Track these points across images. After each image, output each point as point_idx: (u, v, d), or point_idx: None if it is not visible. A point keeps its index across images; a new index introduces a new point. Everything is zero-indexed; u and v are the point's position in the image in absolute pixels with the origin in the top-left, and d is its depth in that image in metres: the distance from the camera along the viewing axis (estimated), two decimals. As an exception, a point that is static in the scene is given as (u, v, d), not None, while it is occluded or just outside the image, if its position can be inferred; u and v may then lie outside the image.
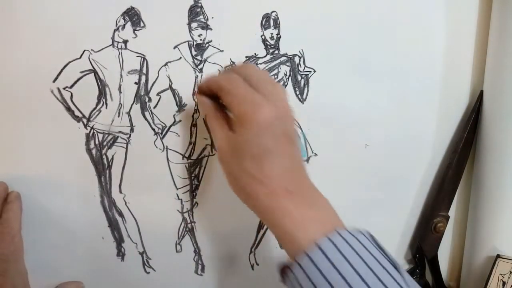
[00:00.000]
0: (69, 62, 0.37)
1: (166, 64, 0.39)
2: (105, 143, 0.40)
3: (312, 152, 0.45)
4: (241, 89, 0.31)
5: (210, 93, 0.34)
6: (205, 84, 0.35)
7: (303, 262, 0.28)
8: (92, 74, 0.38)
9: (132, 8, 0.37)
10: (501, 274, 0.47)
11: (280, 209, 0.30)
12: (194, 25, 0.39)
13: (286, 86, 0.43)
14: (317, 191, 0.32)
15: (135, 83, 0.39)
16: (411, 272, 0.52)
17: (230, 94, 0.32)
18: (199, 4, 0.38)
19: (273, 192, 0.30)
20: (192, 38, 0.39)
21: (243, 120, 0.31)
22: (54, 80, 0.37)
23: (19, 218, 0.37)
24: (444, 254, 0.53)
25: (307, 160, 0.45)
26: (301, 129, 0.44)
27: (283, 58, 0.42)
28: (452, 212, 0.50)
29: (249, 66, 0.34)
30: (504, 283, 0.47)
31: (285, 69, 0.42)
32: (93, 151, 0.40)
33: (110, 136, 0.40)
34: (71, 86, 0.38)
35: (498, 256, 0.47)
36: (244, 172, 0.31)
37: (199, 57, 0.40)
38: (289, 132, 0.31)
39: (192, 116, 0.41)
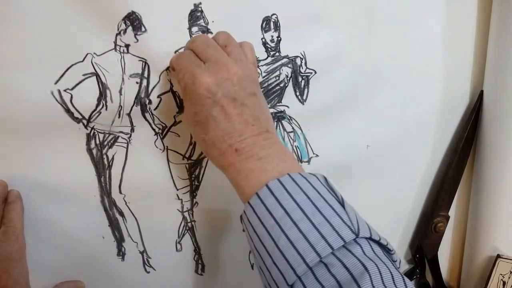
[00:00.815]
0: (72, 65, 0.37)
1: (167, 68, 0.39)
2: (105, 142, 0.40)
3: (313, 153, 0.45)
4: (185, 63, 0.34)
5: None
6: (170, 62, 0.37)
7: (246, 209, 0.31)
8: (94, 77, 0.38)
9: (133, 12, 0.37)
10: (501, 274, 0.47)
11: (231, 167, 0.33)
12: (194, 29, 0.39)
13: (286, 87, 0.43)
14: (273, 144, 0.33)
15: (136, 82, 0.39)
16: (411, 272, 0.52)
17: (177, 71, 0.34)
18: (199, 9, 0.38)
19: (223, 152, 0.33)
20: (193, 41, 0.39)
21: (185, 93, 0.33)
22: (56, 82, 0.37)
23: (21, 217, 0.38)
24: (444, 254, 0.53)
25: (308, 161, 0.45)
26: (301, 129, 0.44)
27: (285, 60, 0.42)
28: (452, 212, 0.50)
29: (198, 37, 0.36)
30: (504, 283, 0.47)
31: (286, 70, 0.42)
32: (94, 151, 0.40)
33: (111, 136, 0.40)
34: (72, 88, 0.38)
35: (498, 256, 0.47)
36: (199, 138, 0.34)
37: (199, 61, 0.40)
38: (233, 95, 0.33)
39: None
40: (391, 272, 0.28)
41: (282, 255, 0.28)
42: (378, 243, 0.31)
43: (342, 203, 0.31)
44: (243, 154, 0.32)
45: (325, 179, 0.33)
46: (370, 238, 0.30)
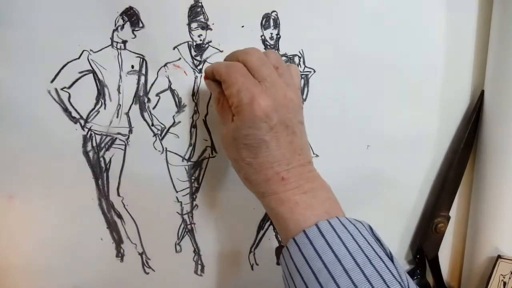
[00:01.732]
0: (68, 62, 0.37)
1: (165, 64, 0.39)
2: (102, 145, 0.40)
3: (314, 153, 0.45)
4: (240, 78, 0.32)
5: (215, 79, 0.35)
6: (210, 69, 0.35)
7: (290, 246, 0.30)
8: (91, 74, 0.38)
9: (131, 8, 0.37)
10: (502, 275, 0.47)
11: (273, 195, 0.32)
12: (194, 25, 0.38)
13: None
14: (315, 178, 0.33)
15: (135, 79, 0.38)
16: (412, 272, 0.52)
17: (228, 84, 0.32)
18: (199, 4, 0.38)
19: (268, 179, 0.32)
20: (192, 38, 0.39)
21: (239, 111, 0.32)
22: (52, 81, 0.37)
23: None
24: (445, 255, 0.53)
25: (308, 161, 0.45)
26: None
27: (283, 58, 0.42)
28: (453, 212, 0.50)
29: (253, 51, 0.34)
30: (505, 283, 0.47)
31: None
32: (90, 154, 0.39)
33: (108, 138, 0.40)
34: (69, 87, 0.37)
35: (499, 256, 0.46)
36: (242, 160, 0.33)
37: (198, 58, 0.39)
38: (287, 122, 0.32)
39: (192, 117, 0.41)
40: None
41: None
42: None
43: (391, 257, 0.30)
44: (289, 184, 0.32)
45: (371, 228, 0.32)
46: None
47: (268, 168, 0.32)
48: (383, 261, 0.29)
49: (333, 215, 0.31)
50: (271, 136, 0.31)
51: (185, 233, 0.44)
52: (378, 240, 0.31)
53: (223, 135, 0.34)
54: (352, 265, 0.28)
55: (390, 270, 0.28)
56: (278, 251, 0.32)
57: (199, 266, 0.46)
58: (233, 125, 0.32)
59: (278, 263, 0.32)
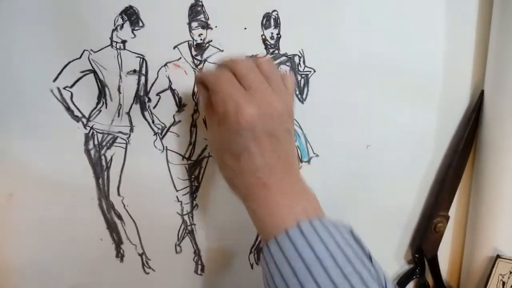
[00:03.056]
0: (70, 62, 0.37)
1: (165, 64, 0.39)
2: (104, 143, 0.40)
3: (313, 153, 0.45)
4: (227, 88, 0.32)
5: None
6: (199, 76, 0.36)
7: (271, 245, 0.31)
8: (92, 74, 0.38)
9: (131, 7, 0.37)
10: (501, 275, 0.47)
11: (254, 199, 0.32)
12: (194, 24, 0.38)
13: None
14: (298, 181, 0.34)
15: (135, 79, 0.38)
16: (411, 272, 0.52)
17: (215, 92, 0.33)
18: (200, 3, 0.38)
19: (251, 184, 0.32)
20: (192, 37, 0.39)
21: (224, 118, 0.32)
22: (55, 80, 0.37)
23: None
24: (444, 254, 0.53)
25: (308, 161, 0.45)
26: (301, 129, 0.44)
27: (283, 58, 0.42)
28: (452, 212, 0.50)
29: (241, 60, 0.34)
30: (504, 283, 0.47)
31: (285, 69, 0.42)
32: (92, 152, 0.40)
33: (110, 136, 0.40)
34: (71, 86, 0.37)
35: (498, 256, 0.47)
36: (226, 165, 0.33)
37: (199, 57, 0.39)
38: (270, 130, 0.32)
39: (192, 116, 0.41)
40: None
41: None
42: None
43: (369, 257, 0.31)
44: (271, 189, 0.32)
45: (352, 230, 0.33)
46: None
47: (250, 174, 0.32)
48: (361, 261, 0.30)
49: (314, 216, 0.31)
50: (254, 144, 0.32)
51: (185, 234, 0.44)
52: (358, 241, 0.32)
53: (209, 139, 0.35)
54: (332, 264, 0.29)
55: (368, 269, 0.29)
56: (259, 250, 0.33)
57: (199, 266, 0.46)
58: (219, 131, 0.33)
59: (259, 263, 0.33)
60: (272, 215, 0.31)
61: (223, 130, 0.33)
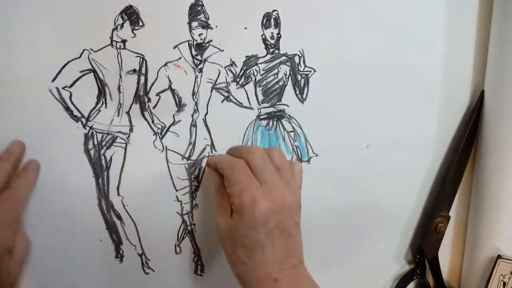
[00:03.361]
0: (69, 62, 0.37)
1: (165, 64, 0.39)
2: (103, 143, 0.40)
3: (313, 153, 0.45)
4: (243, 179, 0.33)
5: (217, 170, 0.36)
6: (212, 161, 0.37)
7: None
8: (92, 73, 0.38)
9: (131, 6, 0.37)
10: (501, 275, 0.47)
11: None
12: (194, 24, 0.38)
13: (286, 85, 0.42)
14: (306, 278, 0.34)
15: (135, 79, 0.38)
16: (412, 272, 0.52)
17: (231, 182, 0.34)
18: (200, 3, 0.38)
19: (260, 279, 0.33)
20: (193, 37, 0.39)
21: (239, 211, 0.33)
22: (53, 80, 0.37)
23: (29, 187, 0.37)
24: (445, 255, 0.52)
25: (308, 161, 0.45)
26: (301, 129, 0.44)
27: (283, 58, 0.42)
28: (453, 212, 0.50)
29: (257, 151, 0.35)
30: (504, 283, 0.47)
31: (285, 68, 0.42)
32: (92, 152, 0.39)
33: (109, 136, 0.40)
34: (71, 86, 0.37)
35: (499, 256, 0.46)
36: (237, 257, 0.34)
37: (199, 57, 0.39)
38: (283, 225, 0.33)
39: (192, 116, 0.41)
40: None
41: None
42: None
43: None
44: (280, 286, 0.32)
45: None
46: None
47: (261, 269, 0.33)
48: None
49: None
50: (268, 239, 0.33)
51: (185, 234, 0.44)
52: None
53: (220, 227, 0.35)
54: None
55: None
56: None
57: (199, 267, 0.46)
58: (232, 222, 0.33)
59: None
60: None
61: (238, 223, 0.33)
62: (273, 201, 0.33)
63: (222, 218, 0.35)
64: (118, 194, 0.41)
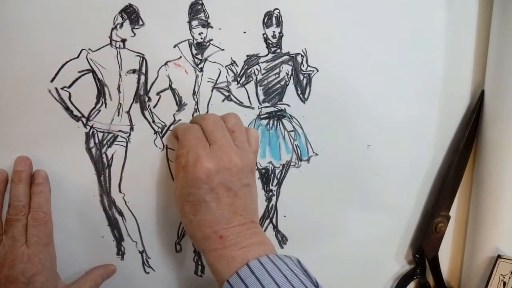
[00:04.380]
0: (67, 62, 0.37)
1: (166, 63, 0.39)
2: (105, 141, 0.40)
3: (313, 152, 0.45)
4: (191, 139, 0.35)
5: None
6: (173, 130, 0.39)
7: (231, 280, 0.32)
8: (91, 73, 0.37)
9: (131, 5, 0.37)
10: (502, 275, 0.47)
11: (212, 252, 0.34)
12: (194, 23, 0.38)
13: (287, 85, 0.42)
14: (255, 234, 0.35)
15: (135, 78, 0.38)
16: (412, 272, 0.52)
17: (182, 145, 0.35)
18: (200, 2, 0.38)
19: (207, 236, 0.34)
20: (193, 36, 0.38)
21: (185, 171, 0.34)
22: (52, 80, 0.37)
23: (49, 200, 0.38)
24: (445, 254, 0.53)
25: (308, 160, 0.45)
26: (302, 128, 0.44)
27: (285, 57, 0.42)
28: (453, 212, 0.50)
29: (210, 116, 0.37)
30: (505, 283, 0.47)
31: (287, 68, 0.42)
32: (93, 150, 0.39)
33: (110, 135, 0.39)
34: (69, 86, 0.37)
35: (499, 256, 0.46)
36: (185, 216, 0.35)
37: (199, 56, 0.39)
38: (228, 184, 0.34)
39: (192, 115, 0.41)
40: None
41: None
42: None
43: (316, 285, 0.32)
44: (227, 242, 0.34)
45: (299, 262, 0.34)
46: None
47: (206, 226, 0.34)
48: None
49: (263, 255, 0.33)
50: (212, 197, 0.34)
51: (185, 232, 0.44)
52: (305, 271, 0.33)
53: (173, 190, 0.36)
54: None
55: None
56: None
57: (199, 267, 0.46)
58: (179, 182, 0.35)
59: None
60: (228, 268, 0.33)
61: (183, 181, 0.34)
62: (218, 161, 0.33)
63: (175, 181, 0.36)
64: (120, 191, 0.41)
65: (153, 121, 0.40)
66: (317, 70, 0.42)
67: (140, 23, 0.37)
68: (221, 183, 0.34)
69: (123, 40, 0.37)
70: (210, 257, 0.34)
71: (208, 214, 0.34)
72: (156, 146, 0.41)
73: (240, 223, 0.34)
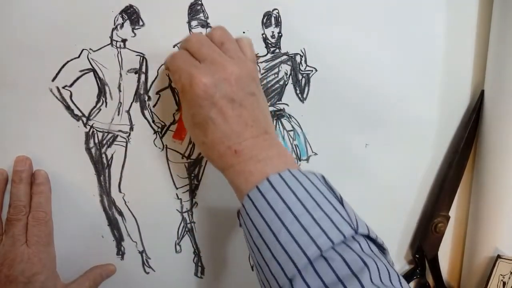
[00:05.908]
0: (68, 61, 0.37)
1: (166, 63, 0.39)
2: (104, 141, 0.40)
3: (312, 152, 0.45)
4: (179, 63, 0.33)
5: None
6: (165, 63, 0.37)
7: (245, 202, 0.31)
8: (92, 73, 0.38)
9: (131, 6, 0.37)
10: (501, 275, 0.47)
11: (230, 168, 0.32)
12: (194, 23, 0.38)
13: (286, 85, 0.42)
14: (272, 146, 0.33)
15: (135, 78, 0.38)
16: (412, 272, 0.52)
17: (173, 72, 0.33)
18: (199, 2, 0.38)
19: (222, 154, 0.32)
20: (192, 36, 0.39)
21: (183, 94, 0.33)
22: (53, 79, 0.37)
23: (50, 200, 0.38)
24: (445, 254, 0.53)
25: (307, 160, 0.45)
26: (301, 128, 0.44)
27: (284, 57, 0.42)
28: (452, 212, 0.50)
29: (192, 36, 0.34)
30: (504, 283, 0.47)
31: (285, 68, 0.42)
32: (93, 150, 0.40)
33: (110, 135, 0.40)
34: (71, 85, 0.38)
35: (498, 256, 0.46)
36: (197, 140, 0.34)
37: (199, 56, 0.39)
38: (231, 95, 0.32)
39: (192, 115, 0.41)
40: (388, 270, 0.28)
41: (282, 248, 0.28)
42: (374, 241, 0.31)
43: (341, 201, 0.31)
44: (243, 156, 0.32)
45: (324, 178, 0.33)
46: (367, 236, 0.31)
47: (219, 144, 0.32)
48: (332, 205, 0.30)
49: (284, 169, 0.31)
50: (216, 112, 0.32)
51: (185, 232, 0.44)
52: (330, 188, 0.32)
53: (184, 121, 0.35)
54: (302, 210, 0.29)
55: (339, 212, 0.30)
56: (238, 212, 0.34)
57: (199, 268, 0.46)
58: (183, 108, 0.33)
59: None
60: (247, 183, 0.31)
61: (184, 106, 0.33)
62: (213, 74, 0.31)
63: (182, 111, 0.34)
64: (120, 191, 0.41)
65: (153, 121, 0.40)
66: (316, 70, 0.43)
67: (141, 23, 0.37)
68: (222, 96, 0.31)
69: (124, 40, 0.37)
70: (229, 175, 0.33)
71: (217, 131, 0.32)
72: (156, 146, 0.41)
73: (252, 135, 0.32)
